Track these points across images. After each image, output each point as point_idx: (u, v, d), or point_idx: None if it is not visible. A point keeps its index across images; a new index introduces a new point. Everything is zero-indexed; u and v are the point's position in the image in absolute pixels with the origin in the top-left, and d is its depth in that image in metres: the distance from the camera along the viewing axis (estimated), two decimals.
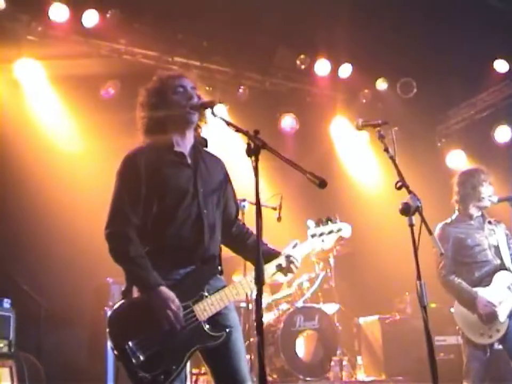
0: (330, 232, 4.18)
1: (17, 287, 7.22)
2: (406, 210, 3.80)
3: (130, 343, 3.60)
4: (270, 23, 8.50)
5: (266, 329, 7.71)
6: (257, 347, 3.08)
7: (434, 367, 3.70)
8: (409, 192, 3.86)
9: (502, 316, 5.65)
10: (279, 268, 3.94)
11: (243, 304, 7.48)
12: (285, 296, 8.11)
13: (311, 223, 4.14)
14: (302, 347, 7.56)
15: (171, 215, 3.76)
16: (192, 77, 4.07)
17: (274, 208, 7.02)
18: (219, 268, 3.94)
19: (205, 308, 3.73)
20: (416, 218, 3.77)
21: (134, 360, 3.58)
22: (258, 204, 3.09)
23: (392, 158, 4.06)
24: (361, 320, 8.17)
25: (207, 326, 3.73)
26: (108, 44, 8.62)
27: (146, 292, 3.66)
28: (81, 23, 8.20)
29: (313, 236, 4.13)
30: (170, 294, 3.63)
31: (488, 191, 5.93)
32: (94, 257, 6.16)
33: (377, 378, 7.58)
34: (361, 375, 7.60)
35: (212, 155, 4.11)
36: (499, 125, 9.66)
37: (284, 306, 7.87)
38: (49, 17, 7.99)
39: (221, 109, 9.38)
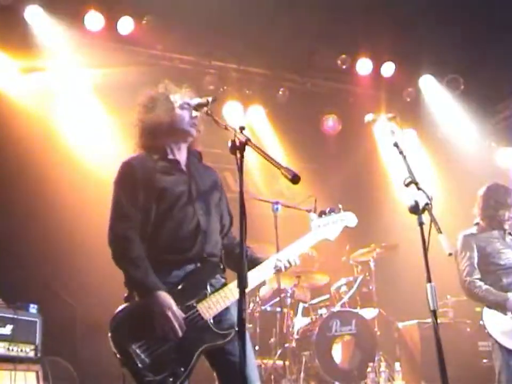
0: (334, 222, 4.16)
1: (51, 293, 7.26)
2: (415, 208, 3.63)
3: (134, 346, 3.54)
4: (309, 23, 8.36)
5: (302, 334, 7.58)
6: (239, 352, 2.90)
7: (444, 373, 3.50)
8: (419, 189, 3.68)
9: None
10: (277, 269, 3.93)
11: (278, 309, 7.39)
12: (322, 300, 7.98)
13: (313, 215, 4.07)
14: (339, 352, 7.38)
15: (167, 217, 3.76)
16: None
17: (308, 211, 6.86)
18: (221, 267, 3.90)
19: (210, 306, 3.68)
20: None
21: (139, 364, 3.52)
22: (242, 203, 2.98)
23: (402, 153, 3.86)
24: (400, 325, 7.92)
25: (214, 325, 3.66)
26: (145, 50, 8.61)
27: (144, 296, 3.62)
28: (117, 30, 8.20)
29: (318, 227, 4.10)
30: (168, 301, 3.59)
31: (511, 214, 5.85)
32: None
33: None
34: (399, 382, 7.34)
35: (207, 166, 4.17)
36: None
37: (322, 311, 7.69)
38: (85, 26, 8.01)
39: (259, 111, 9.34)
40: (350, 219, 4.27)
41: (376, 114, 4.33)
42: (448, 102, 9.67)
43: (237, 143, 3.23)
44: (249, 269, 3.75)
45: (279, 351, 7.39)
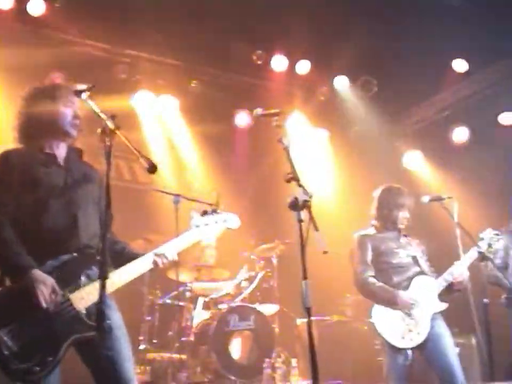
0: (216, 223, 4.22)
1: None
2: (294, 204, 3.63)
3: (1, 333, 3.44)
4: (225, 17, 8.33)
5: (201, 328, 7.53)
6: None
7: (315, 369, 3.52)
8: (300, 185, 3.68)
9: (423, 318, 5.57)
10: (155, 264, 3.92)
11: (177, 302, 7.33)
12: (223, 295, 7.93)
13: (195, 213, 4.07)
14: (237, 348, 7.36)
15: (43, 208, 3.72)
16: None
17: (211, 205, 6.81)
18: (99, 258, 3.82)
19: (82, 297, 3.62)
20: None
21: (6, 351, 3.42)
22: (107, 192, 2.92)
23: (287, 149, 3.86)
24: (299, 321, 7.94)
25: (86, 316, 3.60)
26: (56, 33, 8.39)
27: (17, 276, 3.56)
28: (27, 10, 7.99)
29: (197, 226, 4.13)
30: (44, 276, 3.53)
31: (404, 215, 5.91)
32: None
33: (312, 382, 7.35)
34: (294, 378, 7.38)
35: (88, 164, 4.13)
36: (457, 125, 9.49)
37: (222, 305, 7.67)
38: None
39: (171, 102, 9.27)
40: (232, 220, 4.33)
41: (266, 109, 4.28)
42: (361, 103, 9.77)
43: (106, 131, 3.17)
44: (125, 263, 3.80)
45: (177, 345, 7.32)
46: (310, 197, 3.62)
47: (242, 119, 9.69)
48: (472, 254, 5.59)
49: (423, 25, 8.16)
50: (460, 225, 5.42)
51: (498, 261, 6.43)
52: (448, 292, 5.76)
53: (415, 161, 9.88)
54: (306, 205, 3.61)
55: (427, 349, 5.55)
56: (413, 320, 5.56)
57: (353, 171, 9.71)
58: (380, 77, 9.54)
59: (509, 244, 6.47)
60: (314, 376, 3.48)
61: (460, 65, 9.05)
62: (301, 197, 3.62)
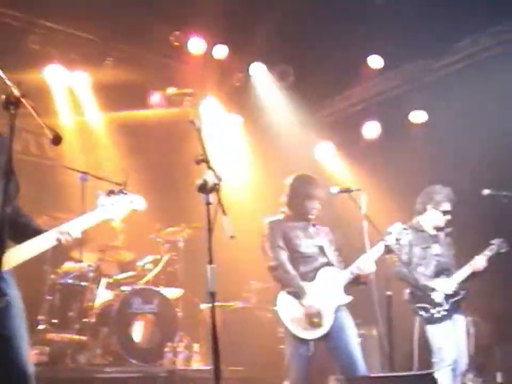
0: (122, 203, 4.13)
1: None
2: (203, 187, 3.56)
3: None
4: None
5: (103, 310, 7.39)
6: None
7: (217, 356, 3.48)
8: (209, 168, 3.62)
9: (327, 310, 5.57)
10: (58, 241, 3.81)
11: (80, 282, 7.15)
12: (128, 276, 7.82)
13: (101, 193, 3.96)
14: (139, 331, 7.26)
15: None
16: None
17: (118, 185, 6.67)
18: None
19: None
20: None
21: None
22: (9, 162, 2.78)
23: (198, 131, 3.79)
24: (203, 306, 7.89)
25: None
26: None
27: None
28: None
29: (103, 205, 4.04)
30: None
31: (315, 205, 5.88)
32: None
33: (214, 368, 7.33)
34: (196, 363, 7.35)
35: None
36: (369, 120, 9.62)
37: (125, 287, 7.55)
38: None
39: (84, 78, 9.06)
40: (138, 202, 4.27)
41: (179, 88, 4.19)
42: (277, 91, 9.76)
43: (11, 98, 3.00)
44: (27, 239, 3.68)
45: (77, 326, 7.16)
46: (220, 180, 3.56)
47: (156, 99, 9.53)
48: (379, 248, 5.64)
49: (344, 19, 8.22)
50: (368, 217, 5.45)
51: (404, 257, 6.53)
52: (354, 284, 5.79)
53: (326, 152, 9.96)
54: (215, 188, 3.55)
55: (330, 340, 5.58)
56: (318, 312, 5.56)
57: (266, 158, 9.73)
58: (297, 66, 9.56)
59: (413, 240, 6.58)
60: (216, 362, 3.42)
61: (375, 61, 9.16)
62: (211, 180, 3.55)
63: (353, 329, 5.70)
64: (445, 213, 6.69)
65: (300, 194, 5.89)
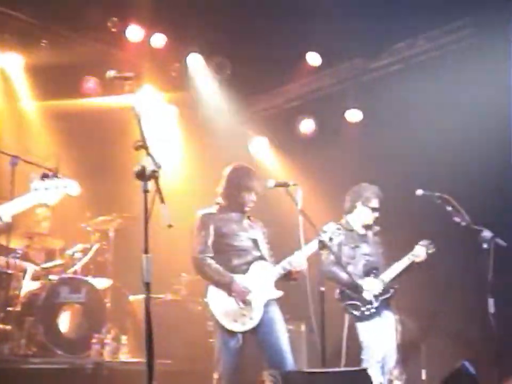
0: (56, 188, 4.08)
1: None
2: (141, 174, 3.48)
3: None
4: None
5: (29, 298, 7.20)
6: None
7: (151, 348, 3.40)
8: (148, 154, 3.54)
9: (257, 303, 5.59)
10: None
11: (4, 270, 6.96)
12: (56, 265, 7.64)
13: (35, 177, 3.86)
14: (65, 321, 7.12)
15: None
16: None
17: (50, 169, 6.51)
18: None
19: None
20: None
21: None
22: None
23: (137, 117, 3.71)
24: (132, 297, 7.79)
25: None
26: None
27: None
28: None
29: (36, 189, 3.98)
30: None
31: (251, 198, 5.90)
32: None
33: (141, 360, 7.23)
34: (123, 355, 7.23)
35: None
36: (304, 117, 9.64)
37: (53, 276, 7.39)
38: None
39: (16, 60, 8.81)
40: (72, 187, 4.23)
41: (119, 71, 4.09)
42: (213, 84, 9.69)
43: None
44: None
45: (1, 315, 6.95)
46: (159, 167, 3.48)
47: (91, 86, 9.33)
48: (313, 245, 5.65)
49: (284, 14, 8.21)
50: (303, 212, 5.44)
51: (333, 256, 6.59)
52: (285, 280, 5.82)
53: (261, 147, 9.94)
54: (154, 175, 3.46)
55: (259, 333, 5.60)
56: (247, 305, 5.56)
57: (201, 150, 9.64)
58: (234, 60, 9.49)
59: (343, 240, 6.62)
60: (150, 354, 3.34)
61: (313, 58, 9.18)
62: (149, 167, 3.47)
63: (282, 323, 5.74)
64: (373, 210, 6.80)
65: (237, 185, 5.86)
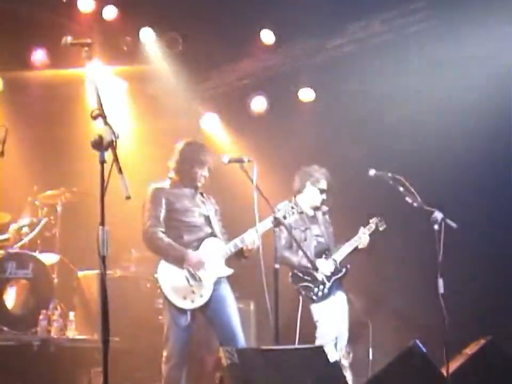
0: None
1: None
2: (98, 144, 3.37)
3: None
4: None
5: None
6: None
7: (106, 324, 3.31)
8: (106, 123, 3.42)
9: (207, 281, 5.57)
10: None
11: None
12: (2, 239, 7.47)
13: None
14: (12, 297, 6.98)
15: None
16: None
17: None
18: None
19: None
20: None
21: None
22: None
23: (94, 85, 3.60)
24: (80, 273, 7.65)
25: None
26: None
27: None
28: None
29: None
30: None
31: (204, 173, 5.87)
32: None
33: (89, 337, 7.16)
34: (71, 332, 7.11)
35: None
36: (256, 94, 9.56)
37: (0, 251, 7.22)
38: None
39: None
40: None
41: (75, 38, 3.95)
42: (165, 59, 9.52)
43: None
44: None
45: None
46: (117, 137, 3.37)
47: (39, 56, 9.07)
48: (267, 223, 5.62)
49: None
50: (258, 189, 5.40)
51: (284, 240, 6.60)
52: (236, 258, 5.81)
53: (212, 123, 9.83)
54: (111, 145, 3.35)
55: (210, 311, 5.59)
56: (197, 282, 5.51)
57: (151, 126, 9.48)
58: (186, 35, 9.34)
59: (292, 222, 6.61)
60: (105, 331, 3.24)
61: (267, 36, 9.08)
62: (107, 136, 3.35)
63: (233, 300, 5.74)
64: (321, 191, 6.86)
65: (190, 160, 5.82)
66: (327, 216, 7.03)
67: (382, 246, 7.48)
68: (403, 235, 7.54)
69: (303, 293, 6.55)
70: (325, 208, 7.02)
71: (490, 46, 7.26)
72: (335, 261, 6.64)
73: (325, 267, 6.56)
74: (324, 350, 4.31)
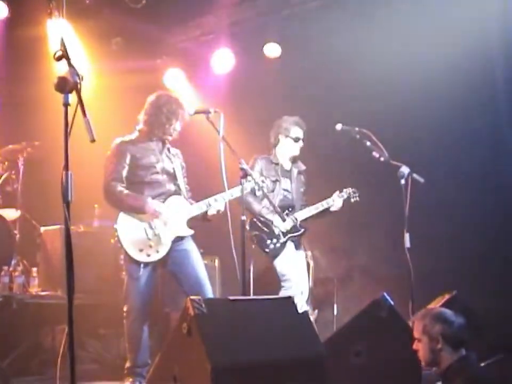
0: None
1: None
2: (62, 86, 3.24)
3: None
4: None
5: None
6: None
7: (71, 279, 3.21)
8: (70, 65, 3.30)
9: (166, 237, 5.57)
10: None
11: None
12: None
13: None
14: None
15: None
16: None
17: None
18: None
19: None
20: None
21: None
22: None
23: (60, 32, 3.49)
24: (43, 229, 7.49)
25: None
26: None
27: None
28: None
29: None
30: None
31: (175, 126, 5.81)
32: None
33: (52, 293, 7.03)
34: (34, 288, 6.98)
35: None
36: (221, 49, 9.38)
37: None
38: None
39: None
40: None
41: None
42: (127, 14, 9.27)
43: None
44: None
45: None
46: (81, 79, 3.26)
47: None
48: (236, 191, 5.64)
49: None
50: (225, 140, 5.33)
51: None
52: (199, 219, 5.84)
53: (176, 79, 9.65)
54: (75, 87, 3.23)
55: (173, 265, 5.65)
56: (155, 236, 5.51)
57: (115, 82, 9.25)
58: None
59: (265, 171, 6.64)
60: (69, 287, 3.14)
61: None
62: (71, 78, 3.23)
63: (198, 254, 5.76)
64: (295, 139, 6.80)
65: (161, 113, 5.73)
66: (302, 176, 6.98)
67: (349, 201, 7.48)
68: (370, 191, 7.53)
69: (255, 241, 6.56)
70: (302, 166, 6.99)
71: None
72: (295, 219, 6.60)
73: (280, 223, 6.52)
74: (293, 301, 4.29)
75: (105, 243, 7.17)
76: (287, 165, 6.87)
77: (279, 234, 6.53)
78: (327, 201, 6.74)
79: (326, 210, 6.79)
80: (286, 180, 6.82)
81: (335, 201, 6.72)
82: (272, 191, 6.66)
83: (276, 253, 6.50)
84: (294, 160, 6.90)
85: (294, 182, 6.87)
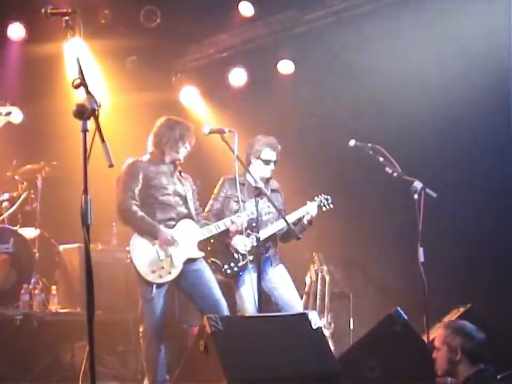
0: None
1: None
2: (81, 113, 3.34)
3: None
4: None
5: None
6: None
7: (91, 298, 3.27)
8: (88, 93, 3.40)
9: (177, 259, 5.64)
10: None
11: None
12: None
13: None
14: None
15: None
16: None
17: None
18: None
19: None
20: None
21: None
22: None
23: (77, 57, 3.57)
24: (62, 247, 7.62)
25: None
26: None
27: None
28: None
29: None
30: None
31: (184, 150, 5.88)
32: None
33: (72, 311, 7.15)
34: (53, 306, 7.10)
35: None
36: (235, 67, 9.51)
37: None
38: None
39: None
40: (16, 114, 3.99)
41: (54, 10, 3.91)
42: (142, 32, 9.41)
43: None
44: None
45: None
46: (99, 106, 3.35)
47: (15, 31, 8.91)
48: (244, 217, 5.77)
49: None
50: (240, 159, 5.42)
51: (218, 205, 6.39)
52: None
53: (191, 97, 9.76)
54: (93, 113, 3.33)
55: (187, 285, 5.76)
56: (168, 258, 5.59)
57: (131, 100, 9.36)
58: (164, 8, 9.26)
59: (231, 192, 6.33)
60: (90, 305, 3.22)
61: (246, 8, 9.03)
62: (89, 105, 3.33)
63: (211, 274, 5.82)
64: (266, 162, 6.34)
65: (170, 137, 5.83)
66: (278, 194, 6.56)
67: (363, 217, 7.53)
68: (383, 205, 7.58)
69: (212, 268, 6.12)
70: (275, 184, 6.59)
71: None
72: (256, 238, 5.78)
73: (241, 243, 6.08)
74: (307, 317, 4.35)
75: (123, 260, 7.27)
76: (260, 184, 6.03)
77: (238, 258, 6.14)
78: (301, 210, 6.38)
79: (301, 220, 6.41)
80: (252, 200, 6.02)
81: (310, 208, 6.35)
82: (235, 212, 6.17)
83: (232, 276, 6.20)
84: (266, 181, 6.42)
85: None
